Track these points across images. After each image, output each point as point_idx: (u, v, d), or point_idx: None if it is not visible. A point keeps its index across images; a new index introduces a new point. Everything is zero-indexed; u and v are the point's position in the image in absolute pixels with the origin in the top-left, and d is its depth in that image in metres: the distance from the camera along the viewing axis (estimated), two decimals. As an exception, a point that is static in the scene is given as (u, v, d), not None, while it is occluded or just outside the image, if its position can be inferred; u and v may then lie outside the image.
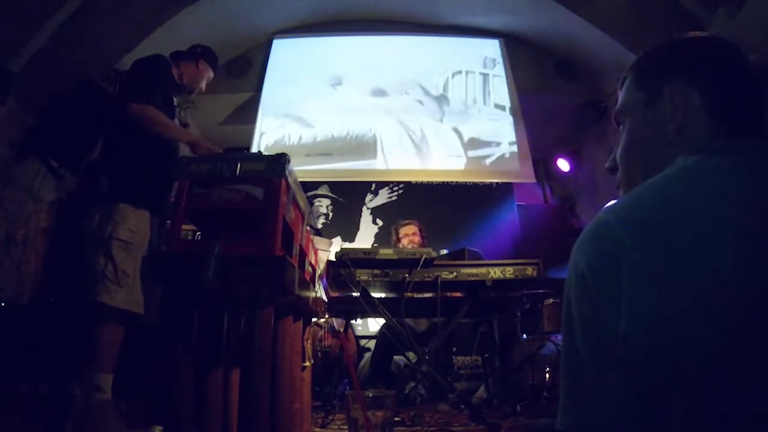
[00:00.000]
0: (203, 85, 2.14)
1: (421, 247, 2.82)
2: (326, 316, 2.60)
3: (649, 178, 0.54)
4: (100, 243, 1.62)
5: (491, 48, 4.64)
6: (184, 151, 1.94)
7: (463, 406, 1.99)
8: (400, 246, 2.92)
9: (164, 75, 1.92)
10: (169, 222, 1.63)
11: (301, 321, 1.44)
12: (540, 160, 4.90)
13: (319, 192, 4.17)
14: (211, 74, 2.16)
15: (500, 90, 4.48)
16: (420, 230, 3.02)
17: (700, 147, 0.56)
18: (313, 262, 1.68)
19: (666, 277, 0.44)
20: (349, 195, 4.20)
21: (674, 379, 0.42)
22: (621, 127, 0.69)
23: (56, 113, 2.91)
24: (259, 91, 4.40)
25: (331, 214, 4.17)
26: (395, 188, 4.26)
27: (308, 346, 1.59)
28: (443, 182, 4.23)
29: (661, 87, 0.62)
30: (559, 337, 2.30)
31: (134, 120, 1.73)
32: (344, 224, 4.12)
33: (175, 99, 2.03)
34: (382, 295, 2.20)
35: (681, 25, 3.09)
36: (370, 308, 1.98)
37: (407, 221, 3.08)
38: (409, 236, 2.97)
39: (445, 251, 3.26)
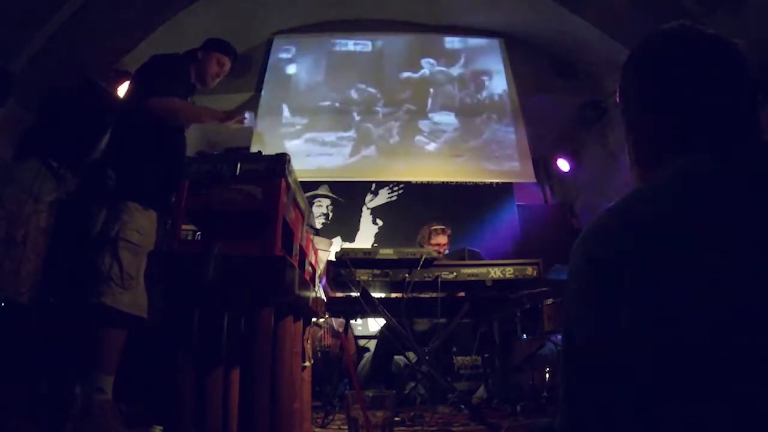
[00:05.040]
0: (214, 69, 1.99)
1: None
2: (326, 316, 2.60)
3: (649, 178, 0.53)
4: (106, 242, 1.56)
5: (491, 48, 4.64)
6: (190, 151, 1.92)
7: (463, 406, 2.00)
8: (429, 246, 2.90)
9: (182, 72, 1.87)
10: (170, 222, 1.62)
11: (301, 321, 1.44)
12: (540, 160, 4.90)
13: (319, 192, 4.17)
14: (220, 56, 2.00)
15: (500, 90, 4.47)
16: (449, 237, 3.03)
17: (698, 148, 0.56)
18: (313, 262, 1.67)
19: (666, 277, 0.44)
20: (349, 195, 4.20)
21: (674, 380, 0.42)
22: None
23: (56, 113, 2.91)
24: (259, 91, 4.40)
25: (331, 214, 4.17)
26: (395, 188, 4.26)
27: (308, 346, 1.58)
28: (443, 182, 4.23)
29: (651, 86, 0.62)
30: (559, 337, 2.31)
31: (156, 114, 1.67)
32: (344, 224, 4.12)
33: (190, 99, 1.99)
34: (382, 295, 2.20)
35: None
36: (370, 308, 1.98)
37: (441, 227, 3.04)
38: (439, 245, 2.96)
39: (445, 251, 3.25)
